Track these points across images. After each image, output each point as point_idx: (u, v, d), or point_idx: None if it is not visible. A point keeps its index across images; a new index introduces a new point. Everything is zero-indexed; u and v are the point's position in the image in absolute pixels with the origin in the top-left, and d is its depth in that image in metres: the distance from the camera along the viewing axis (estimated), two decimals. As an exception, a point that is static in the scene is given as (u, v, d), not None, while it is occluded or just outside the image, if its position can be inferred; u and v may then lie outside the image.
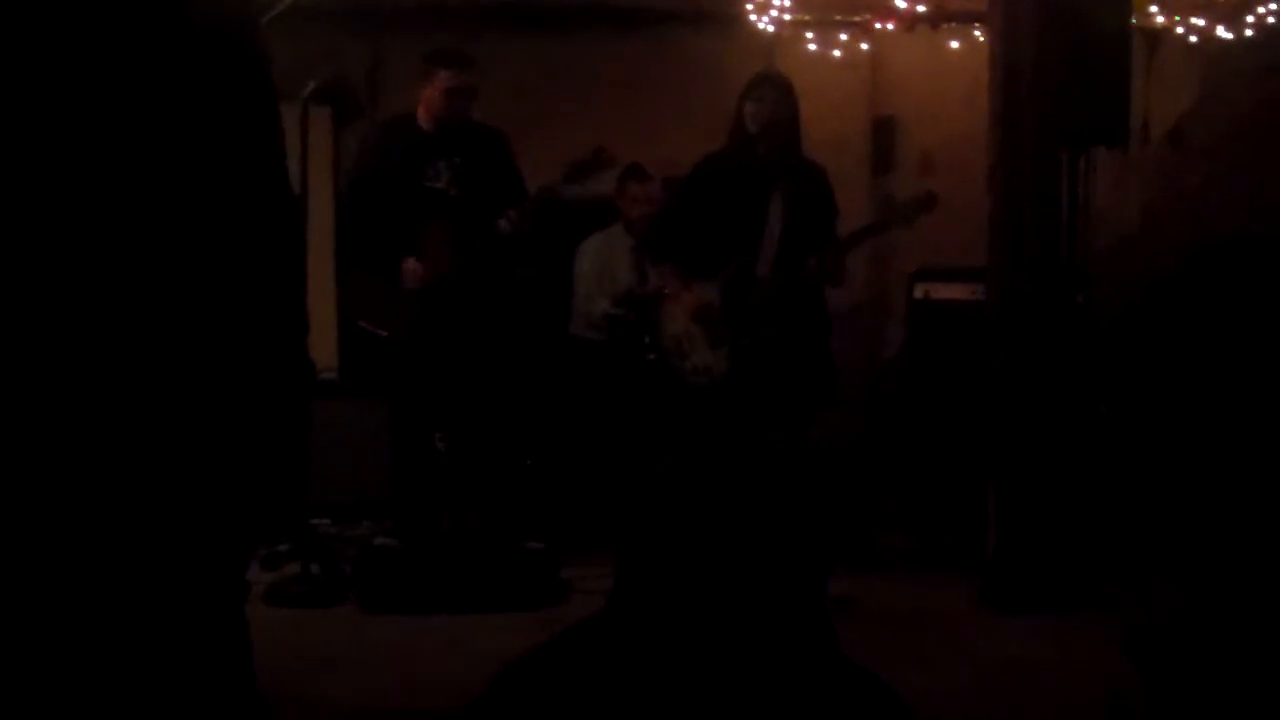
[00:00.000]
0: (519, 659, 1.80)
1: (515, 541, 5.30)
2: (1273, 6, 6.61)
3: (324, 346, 6.46)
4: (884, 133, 7.68)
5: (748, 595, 1.74)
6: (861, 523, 6.04)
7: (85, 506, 1.91)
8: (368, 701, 4.17)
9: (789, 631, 1.76)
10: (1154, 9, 6.69)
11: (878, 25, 7.11)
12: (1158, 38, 6.93)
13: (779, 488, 1.83)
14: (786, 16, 6.93)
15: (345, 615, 5.01)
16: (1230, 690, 3.27)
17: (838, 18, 7.21)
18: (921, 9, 6.83)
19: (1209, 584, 3.30)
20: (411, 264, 5.53)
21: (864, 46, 7.35)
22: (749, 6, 6.83)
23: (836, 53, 7.31)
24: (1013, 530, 5.09)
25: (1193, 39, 6.90)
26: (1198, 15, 6.78)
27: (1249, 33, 6.81)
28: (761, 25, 6.93)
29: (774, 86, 5.31)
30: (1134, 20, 5.71)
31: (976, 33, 6.77)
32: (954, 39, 7.08)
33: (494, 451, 5.90)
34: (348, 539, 5.86)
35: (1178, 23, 6.84)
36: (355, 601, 5.08)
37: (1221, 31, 6.83)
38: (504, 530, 5.59)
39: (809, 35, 7.22)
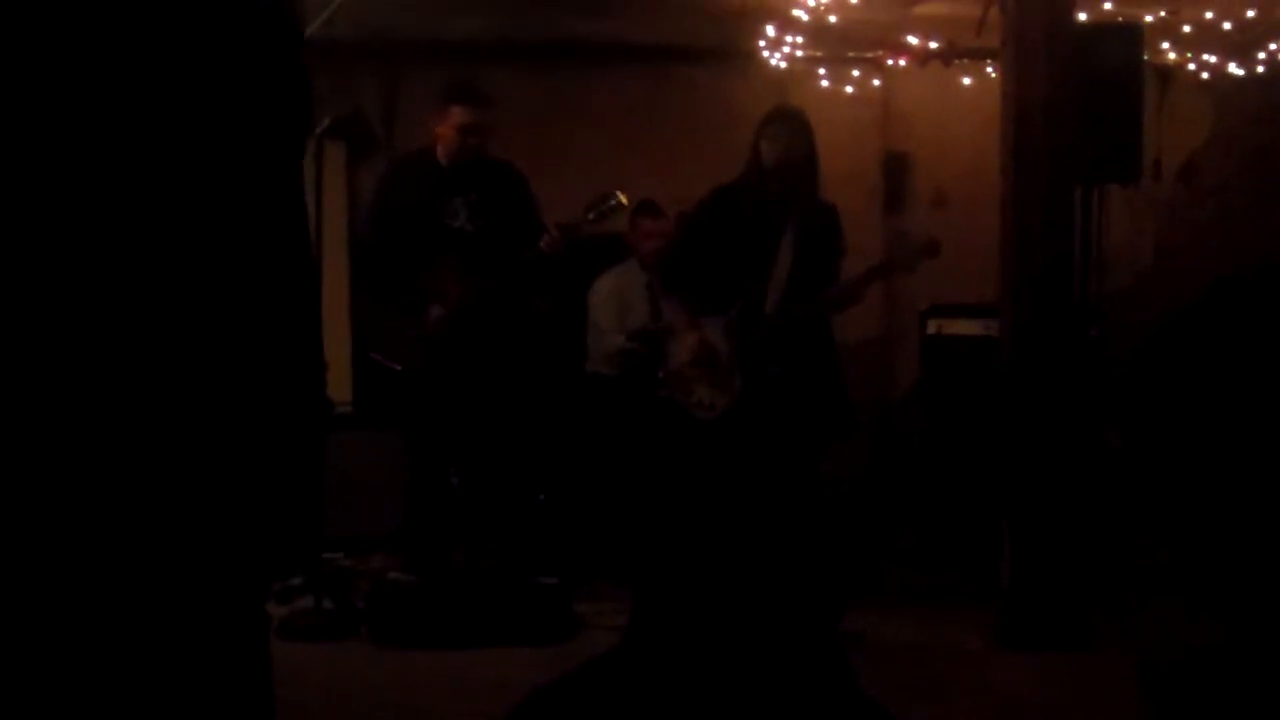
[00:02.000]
0: (538, 691, 1.80)
1: (527, 576, 5.29)
2: (1284, 43, 6.64)
3: (338, 380, 6.49)
4: (896, 168, 7.71)
5: (763, 631, 1.75)
6: (874, 557, 6.02)
7: (100, 539, 1.92)
8: (380, 736, 4.17)
9: (804, 666, 1.76)
10: (1166, 46, 6.72)
11: (890, 62, 7.15)
12: (1169, 75, 6.96)
13: (794, 523, 1.84)
14: (799, 53, 6.97)
15: (357, 649, 5.01)
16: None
17: (850, 54, 7.25)
18: (933, 45, 6.86)
19: (1226, 620, 3.29)
20: (435, 313, 5.54)
21: (876, 83, 7.39)
22: (761, 43, 6.86)
23: (849, 89, 7.35)
24: (1027, 565, 5.07)
25: (1204, 76, 6.93)
26: (1209, 52, 6.81)
27: (1260, 69, 6.84)
28: (774, 62, 6.97)
29: (790, 123, 5.32)
30: (1146, 57, 5.73)
31: (989, 69, 6.80)
32: (966, 75, 7.11)
33: (507, 486, 5.89)
34: (361, 573, 5.86)
35: (1189, 59, 6.87)
36: (367, 635, 5.07)
37: (1233, 68, 6.86)
38: (516, 565, 5.58)
39: (821, 71, 7.26)
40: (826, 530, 5.29)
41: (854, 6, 6.10)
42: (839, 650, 1.87)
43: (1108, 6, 6.00)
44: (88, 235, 1.84)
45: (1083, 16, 5.76)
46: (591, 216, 5.49)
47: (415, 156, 5.80)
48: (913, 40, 6.88)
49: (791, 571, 1.79)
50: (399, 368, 5.59)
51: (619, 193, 5.52)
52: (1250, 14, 6.41)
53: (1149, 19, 6.24)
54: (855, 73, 7.33)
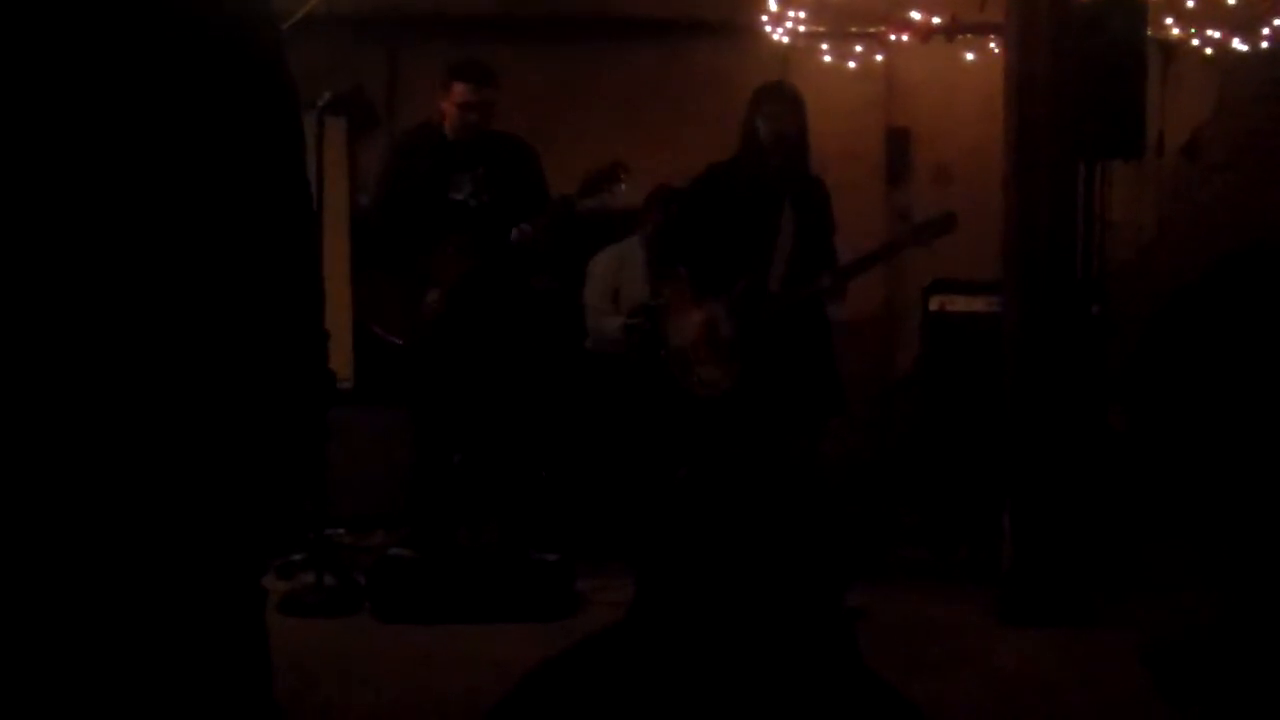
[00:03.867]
0: (540, 666, 1.80)
1: (529, 553, 5.29)
2: (1289, 18, 6.61)
3: (340, 356, 6.48)
4: (898, 144, 7.69)
5: (767, 605, 1.74)
6: (876, 535, 6.03)
7: (100, 514, 1.91)
8: (381, 712, 4.17)
9: (808, 640, 1.76)
10: (1170, 21, 6.69)
11: (893, 37, 7.12)
12: (1173, 50, 6.93)
13: (797, 500, 1.83)
14: (801, 28, 6.95)
15: (359, 625, 5.01)
16: (1248, 702, 3.26)
17: (853, 29, 7.23)
18: (936, 21, 6.84)
19: (1230, 596, 3.30)
20: (431, 297, 5.53)
21: (879, 58, 7.36)
22: (764, 18, 6.84)
23: (851, 64, 7.32)
24: (1028, 543, 5.07)
25: (1208, 51, 6.91)
26: (1213, 27, 6.78)
27: (1265, 44, 6.81)
28: (776, 36, 6.95)
29: (787, 99, 5.31)
30: (1150, 32, 5.71)
31: (992, 44, 6.78)
32: (969, 51, 7.08)
33: (509, 462, 5.89)
34: (363, 549, 5.87)
35: (1193, 35, 6.84)
36: (369, 611, 5.08)
37: (1237, 44, 6.83)
38: (518, 541, 5.59)
39: (824, 47, 7.24)
40: (829, 505, 5.29)
41: (857, -19, 6.08)
42: (844, 625, 1.87)
43: (1111, -19, 5.97)
44: (90, 218, 1.84)
45: (1086, -9, 5.74)
46: (584, 187, 5.46)
47: (421, 130, 5.78)
48: (916, 15, 6.86)
49: (794, 546, 1.79)
50: (400, 342, 5.59)
51: (618, 168, 5.48)
52: (1254, -12, 6.39)
53: (1153, -7, 6.21)
54: (858, 48, 7.30)
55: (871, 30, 7.21)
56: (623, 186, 5.49)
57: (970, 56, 7.12)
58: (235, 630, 2.07)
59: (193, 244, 1.91)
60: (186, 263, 1.90)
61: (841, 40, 7.28)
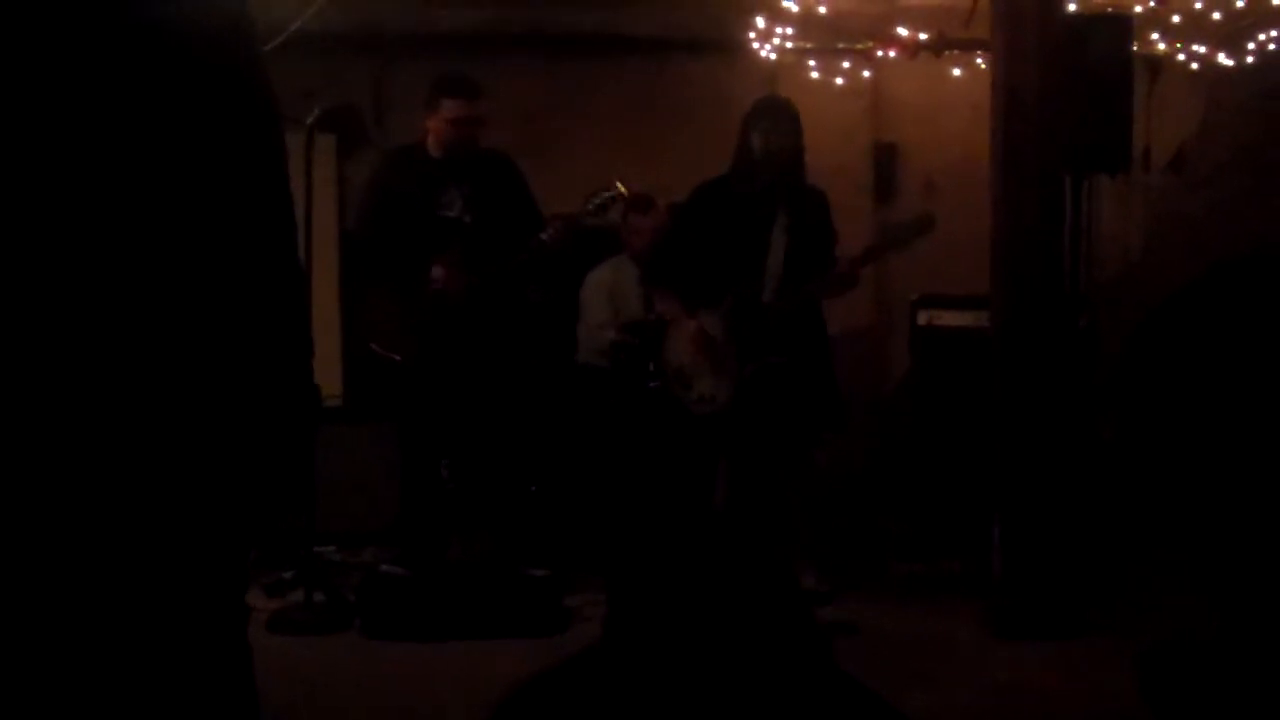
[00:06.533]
0: (519, 687, 1.79)
1: (519, 569, 5.28)
2: (1273, 33, 6.64)
3: (329, 373, 6.47)
4: (886, 160, 7.71)
5: (739, 620, 1.74)
6: (867, 548, 6.03)
7: (78, 528, 1.91)
8: (371, 728, 4.17)
9: (785, 656, 1.75)
10: (1155, 36, 6.73)
11: (880, 53, 7.14)
12: (1159, 65, 6.96)
13: (755, 528, 1.84)
14: (789, 45, 6.97)
15: (349, 642, 5.00)
16: (1239, 714, 3.26)
17: (840, 46, 7.25)
18: (924, 37, 6.86)
19: (1223, 608, 3.29)
20: (439, 272, 5.53)
21: (866, 74, 7.38)
22: (751, 35, 6.86)
23: (839, 80, 7.34)
24: (1018, 555, 5.08)
25: (1194, 66, 6.94)
26: (1199, 42, 6.82)
27: (1250, 59, 6.84)
28: (764, 53, 6.96)
29: (782, 115, 5.34)
30: (1135, 47, 5.74)
31: (979, 60, 6.80)
32: (956, 66, 7.11)
33: (499, 478, 5.89)
34: (353, 566, 5.85)
35: (1179, 50, 6.87)
36: (359, 629, 5.07)
37: (1223, 58, 6.86)
38: (508, 557, 5.58)
39: (811, 63, 7.25)
40: (782, 533, 5.28)
41: (844, -2, 6.11)
42: (820, 639, 1.85)
43: (1097, -3, 6.02)
44: (78, 233, 1.84)
45: (1072, 7, 5.77)
46: (590, 208, 5.52)
47: (407, 149, 5.80)
48: (903, 32, 6.88)
49: (762, 557, 1.79)
50: (398, 359, 5.58)
51: (618, 183, 5.53)
52: (1239, 4, 6.42)
53: (1138, 9, 6.24)
54: (845, 64, 7.32)
55: (859, 47, 7.23)
56: (621, 191, 5.57)
57: (957, 72, 7.14)
58: (218, 648, 2.07)
59: (174, 256, 1.90)
60: (167, 274, 1.90)
61: (829, 57, 7.30)
